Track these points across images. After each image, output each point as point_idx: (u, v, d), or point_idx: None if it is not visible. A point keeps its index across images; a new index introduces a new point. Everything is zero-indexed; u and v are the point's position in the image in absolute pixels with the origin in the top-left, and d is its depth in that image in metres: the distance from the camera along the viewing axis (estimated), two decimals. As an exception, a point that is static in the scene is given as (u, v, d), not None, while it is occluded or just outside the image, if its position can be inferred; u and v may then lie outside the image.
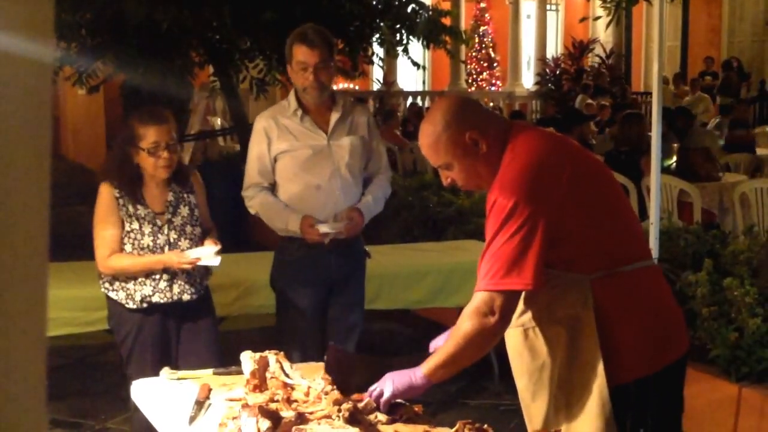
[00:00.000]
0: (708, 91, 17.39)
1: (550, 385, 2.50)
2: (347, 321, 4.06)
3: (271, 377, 2.81)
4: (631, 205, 2.71)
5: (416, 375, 2.49)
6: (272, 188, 3.96)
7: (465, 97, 2.87)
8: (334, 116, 3.89)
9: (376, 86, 19.55)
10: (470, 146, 2.49)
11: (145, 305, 3.64)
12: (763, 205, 6.78)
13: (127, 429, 4.64)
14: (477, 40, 20.27)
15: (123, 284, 3.65)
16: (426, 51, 12.92)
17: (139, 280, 3.63)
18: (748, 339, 4.24)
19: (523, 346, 2.53)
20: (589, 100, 15.20)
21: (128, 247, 3.61)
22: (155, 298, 3.64)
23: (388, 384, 2.54)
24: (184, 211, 3.70)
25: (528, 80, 21.19)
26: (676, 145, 8.57)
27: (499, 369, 5.07)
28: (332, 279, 3.95)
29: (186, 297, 3.69)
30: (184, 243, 3.67)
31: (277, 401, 2.62)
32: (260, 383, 2.79)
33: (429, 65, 20.00)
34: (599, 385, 2.39)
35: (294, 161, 3.86)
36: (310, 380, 2.82)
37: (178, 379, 3.09)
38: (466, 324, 2.41)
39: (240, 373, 2.96)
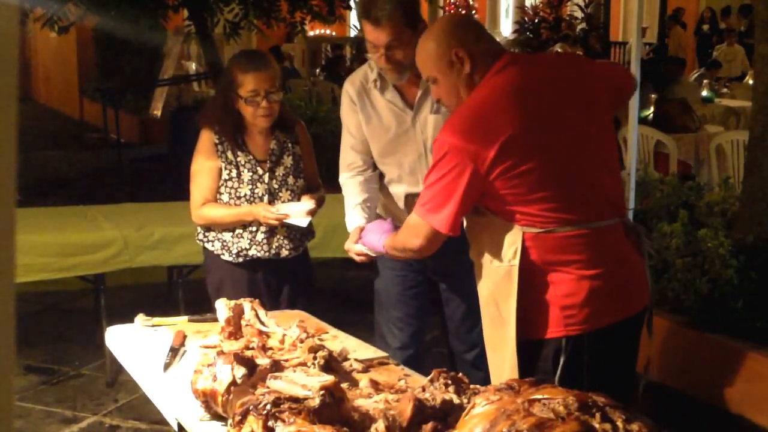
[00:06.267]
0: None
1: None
2: (463, 313, 3.48)
3: (246, 325, 2.81)
4: (604, 155, 2.55)
5: (380, 243, 2.85)
6: None
7: (468, 16, 2.86)
8: (418, 92, 3.23)
9: (353, 32, 19.34)
10: (455, 63, 2.46)
11: (241, 259, 3.43)
12: (739, 157, 6.80)
13: (102, 375, 4.64)
14: (455, -15, 20.07)
15: (219, 235, 3.44)
16: (404, -3, 12.75)
17: (237, 232, 3.41)
18: (721, 290, 4.28)
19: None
20: (567, 49, 15.12)
21: (225, 197, 3.40)
22: (252, 252, 3.41)
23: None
24: (288, 161, 3.45)
25: (506, 28, 21.04)
26: (653, 95, 8.55)
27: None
28: (427, 270, 3.46)
29: (284, 253, 3.45)
30: (285, 194, 3.43)
31: (253, 349, 2.62)
32: (235, 331, 2.79)
33: (407, 11, 19.77)
34: (510, 339, 2.43)
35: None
36: (285, 328, 2.82)
37: (153, 326, 3.08)
38: (402, 232, 2.64)
39: (215, 320, 2.96)
